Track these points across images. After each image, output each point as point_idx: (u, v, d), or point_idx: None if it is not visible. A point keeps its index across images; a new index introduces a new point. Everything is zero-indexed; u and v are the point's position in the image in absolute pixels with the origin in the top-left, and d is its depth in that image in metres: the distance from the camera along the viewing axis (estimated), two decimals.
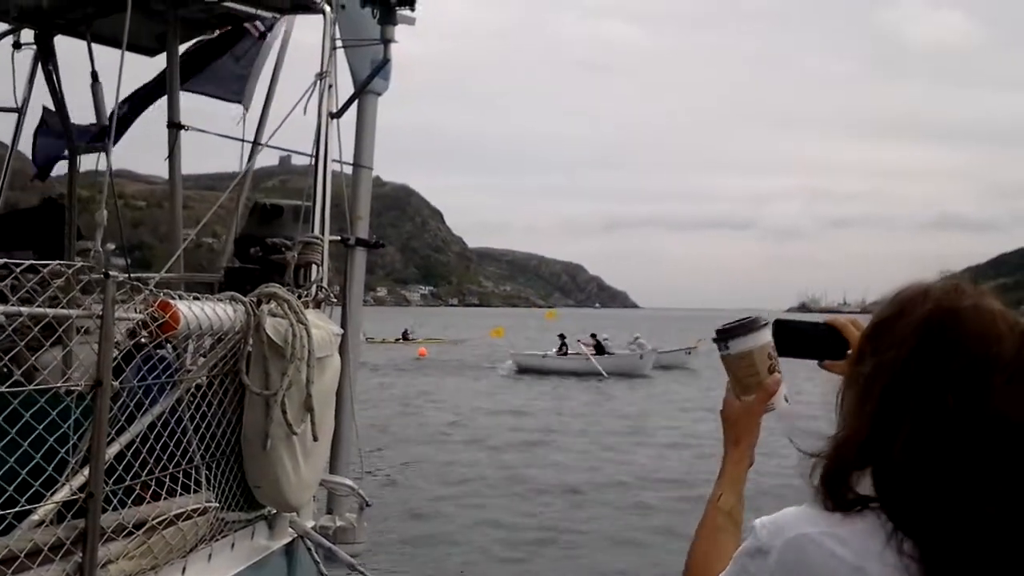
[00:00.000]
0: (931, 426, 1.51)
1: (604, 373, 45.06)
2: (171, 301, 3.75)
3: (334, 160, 5.61)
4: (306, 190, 5.47)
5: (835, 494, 1.57)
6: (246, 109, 6.54)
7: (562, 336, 50.64)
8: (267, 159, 6.91)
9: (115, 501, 3.52)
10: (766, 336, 1.94)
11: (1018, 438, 1.49)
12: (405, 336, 76.26)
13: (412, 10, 5.69)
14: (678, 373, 48.84)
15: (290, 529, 4.91)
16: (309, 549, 5.10)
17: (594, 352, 47.92)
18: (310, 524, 5.16)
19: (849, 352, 1.84)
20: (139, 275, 4.42)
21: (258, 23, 6.41)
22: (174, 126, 6.26)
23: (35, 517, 3.25)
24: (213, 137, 6.19)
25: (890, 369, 1.57)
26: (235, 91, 6.65)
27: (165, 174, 6.59)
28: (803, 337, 1.94)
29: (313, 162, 5.51)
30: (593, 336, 49.85)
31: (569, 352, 49.14)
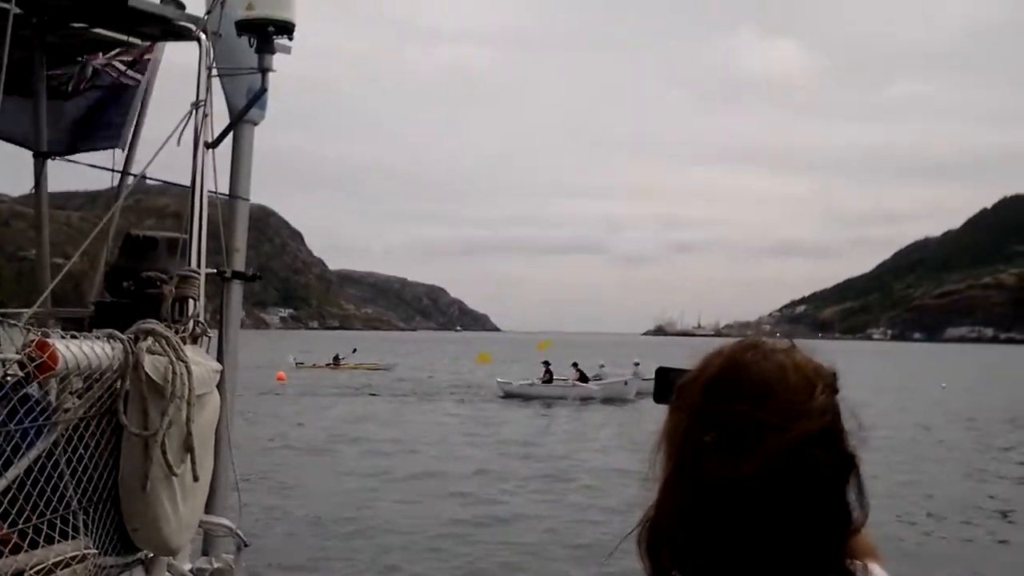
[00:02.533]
0: (707, 493, 1.50)
1: (595, 397, 46.57)
2: (49, 340, 3.60)
3: (210, 191, 5.48)
4: (184, 219, 5.33)
5: (657, 569, 1.55)
6: (123, 150, 6.34)
7: (547, 363, 51.40)
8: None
9: None
10: None
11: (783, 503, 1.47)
12: (336, 361, 75.26)
13: (290, 39, 5.62)
14: None
15: (167, 573, 4.76)
16: None
17: (578, 379, 49.41)
18: (187, 567, 5.01)
19: None
20: (6, 311, 4.24)
21: (119, 64, 6.21)
22: (41, 155, 6.04)
23: None
24: None
25: (678, 428, 1.57)
26: (111, 136, 6.43)
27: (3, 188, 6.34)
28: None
29: (189, 193, 5.37)
30: (574, 365, 51.01)
31: (554, 379, 50.19)
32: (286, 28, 5.54)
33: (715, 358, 1.59)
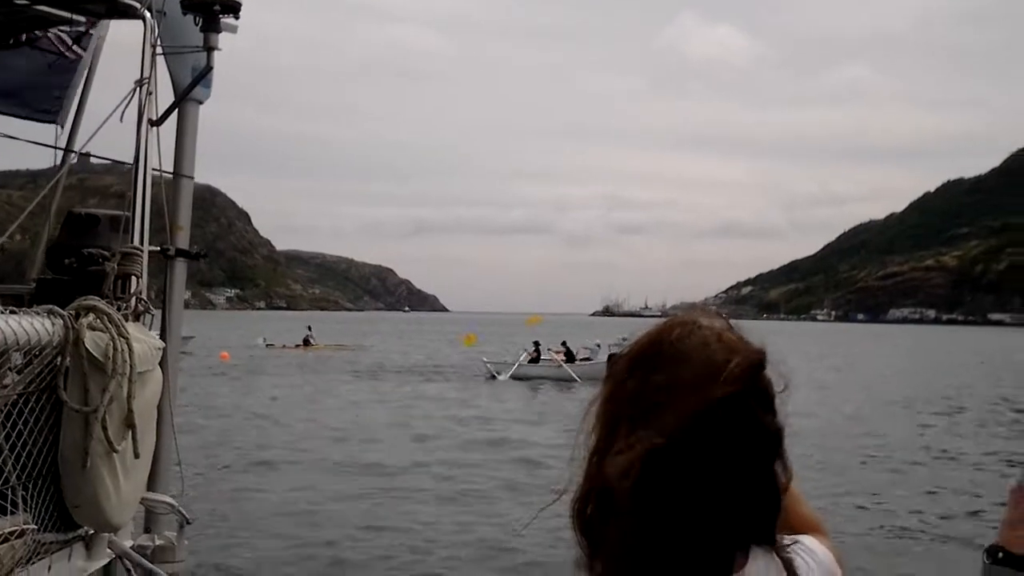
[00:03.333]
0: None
1: (577, 379, 45.03)
2: None
3: (154, 169, 5.47)
4: (127, 198, 5.31)
5: (591, 543, 1.58)
6: (61, 127, 6.29)
7: (536, 343, 50.63)
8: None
9: None
10: None
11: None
12: (306, 342, 75.42)
13: (236, 18, 5.60)
14: None
15: (108, 550, 4.77)
16: (128, 570, 4.96)
17: (564, 359, 48.47)
18: (129, 544, 5.02)
19: None
20: None
21: (64, 36, 6.15)
22: None
23: None
24: None
25: (602, 403, 1.60)
26: (49, 110, 6.37)
27: None
28: None
29: (132, 170, 5.36)
30: (563, 344, 50.21)
31: (542, 359, 49.33)
32: (232, 7, 5.53)
33: (644, 335, 1.63)
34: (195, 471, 19.94)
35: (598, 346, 50.69)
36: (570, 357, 49.16)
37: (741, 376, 1.52)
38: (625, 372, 1.60)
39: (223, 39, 5.70)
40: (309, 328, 78.79)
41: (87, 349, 4.11)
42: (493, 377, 48.17)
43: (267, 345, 75.89)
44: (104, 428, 4.11)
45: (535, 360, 49.58)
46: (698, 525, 1.49)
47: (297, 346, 74.34)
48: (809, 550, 1.65)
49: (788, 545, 1.62)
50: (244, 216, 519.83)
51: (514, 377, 47.51)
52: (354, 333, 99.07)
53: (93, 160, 6.48)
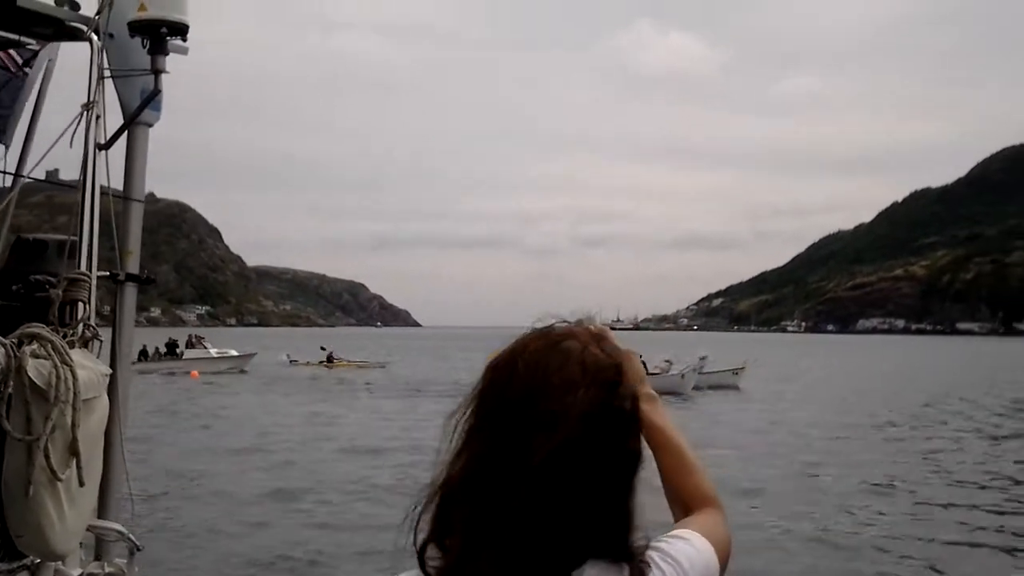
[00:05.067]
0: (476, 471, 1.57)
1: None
2: None
3: (103, 192, 5.43)
4: (72, 220, 5.27)
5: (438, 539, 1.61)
6: (7, 147, 6.25)
7: None
8: (33, 173, 6.61)
9: None
10: None
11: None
12: (329, 359, 75.93)
13: (184, 40, 5.58)
14: (724, 393, 49.97)
15: None
16: None
17: None
18: (77, 572, 4.97)
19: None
20: None
21: (14, 55, 6.12)
22: None
23: None
24: None
25: (466, 409, 1.63)
26: None
27: None
28: None
29: (80, 195, 5.32)
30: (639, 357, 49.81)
31: None
32: (179, 29, 5.49)
33: (506, 347, 1.66)
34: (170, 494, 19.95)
35: (669, 362, 50.82)
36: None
37: (595, 397, 1.56)
38: (487, 380, 1.63)
39: (175, 60, 5.67)
40: (323, 347, 78.98)
41: (29, 377, 4.08)
42: None
43: (291, 362, 76.27)
44: (47, 456, 4.08)
45: None
46: (530, 530, 1.52)
47: (321, 363, 74.77)
48: (672, 558, 1.65)
49: (647, 551, 1.62)
50: (215, 233, 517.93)
51: None
52: (348, 349, 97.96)
53: (62, 177, 6.45)
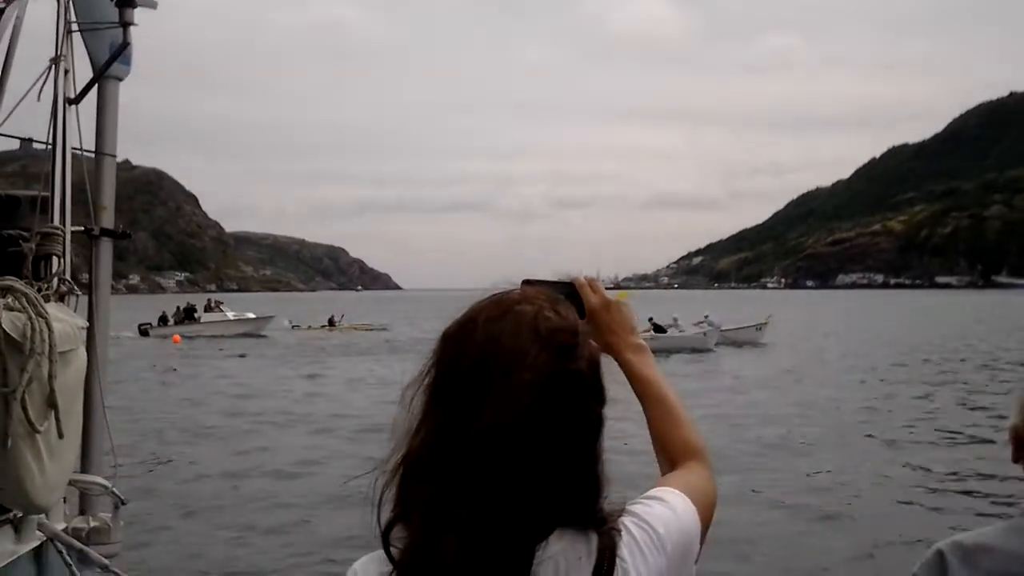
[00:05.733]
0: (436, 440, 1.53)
1: (679, 349, 46.80)
2: None
3: (74, 148, 5.39)
4: (42, 178, 5.24)
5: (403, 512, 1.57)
6: None
7: None
8: (7, 143, 6.56)
9: None
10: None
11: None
12: (331, 323, 76.73)
13: None
14: (747, 350, 51.52)
15: (39, 532, 4.73)
16: (60, 552, 4.92)
17: (652, 334, 49.55)
18: (61, 526, 4.98)
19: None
20: None
21: None
22: None
23: None
24: None
25: (423, 375, 1.59)
26: None
27: None
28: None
29: (50, 150, 5.29)
30: (650, 320, 51.22)
31: None
32: None
33: (461, 313, 1.62)
34: (152, 453, 20.03)
35: (675, 320, 52.34)
36: (659, 330, 50.19)
37: (548, 361, 1.52)
38: (440, 346, 1.60)
39: (150, 14, 5.62)
40: (332, 316, 79.25)
41: (4, 330, 4.06)
42: None
43: (293, 327, 76.42)
44: (24, 408, 4.07)
45: None
46: (493, 504, 1.48)
47: (323, 327, 75.34)
48: (646, 523, 1.61)
49: (621, 516, 1.59)
50: (192, 199, 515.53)
51: None
52: (325, 313, 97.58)
53: (36, 146, 6.38)
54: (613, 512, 1.58)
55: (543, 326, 1.55)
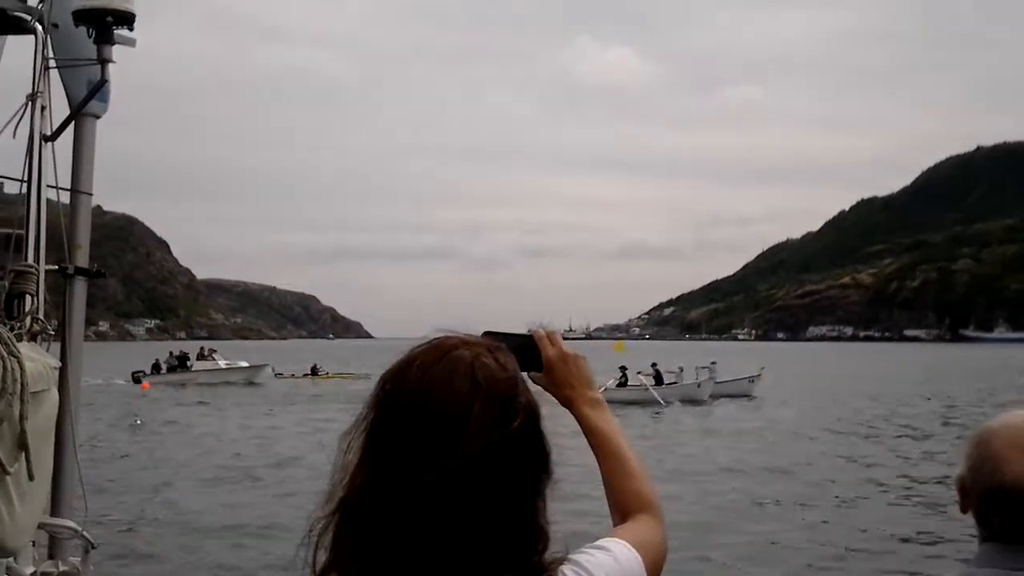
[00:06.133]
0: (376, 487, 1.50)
1: (662, 402, 46.46)
2: None
3: (50, 186, 5.33)
4: (16, 217, 5.17)
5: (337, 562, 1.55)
6: None
7: (623, 368, 50.76)
8: None
9: None
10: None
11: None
12: (314, 371, 76.85)
13: (131, 30, 5.49)
14: (740, 401, 50.90)
15: (6, 575, 4.62)
16: None
17: (653, 382, 49.32)
18: (29, 570, 4.86)
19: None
20: None
21: None
22: None
23: None
24: None
25: (361, 418, 1.57)
26: None
27: None
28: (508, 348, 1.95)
29: (25, 188, 5.22)
30: (653, 366, 51.09)
31: (629, 383, 49.86)
32: (126, 18, 5.40)
33: (401, 357, 1.60)
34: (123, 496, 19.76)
35: (681, 369, 52.28)
36: (659, 380, 50.05)
37: (483, 411, 1.49)
38: (379, 389, 1.57)
39: (125, 53, 5.58)
40: (315, 365, 79.27)
41: None
42: None
43: (276, 375, 76.37)
44: None
45: (623, 384, 49.76)
46: (429, 553, 1.46)
47: (305, 375, 75.59)
48: (585, 570, 1.59)
49: (559, 567, 1.56)
50: (163, 245, 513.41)
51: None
52: (302, 361, 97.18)
53: (7, 190, 6.30)
54: (554, 561, 1.55)
55: (480, 373, 1.52)
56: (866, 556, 16.25)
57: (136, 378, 66.69)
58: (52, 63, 5.39)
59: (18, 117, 5.25)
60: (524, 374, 1.83)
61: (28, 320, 4.79)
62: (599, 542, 1.67)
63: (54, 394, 4.58)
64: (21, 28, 5.55)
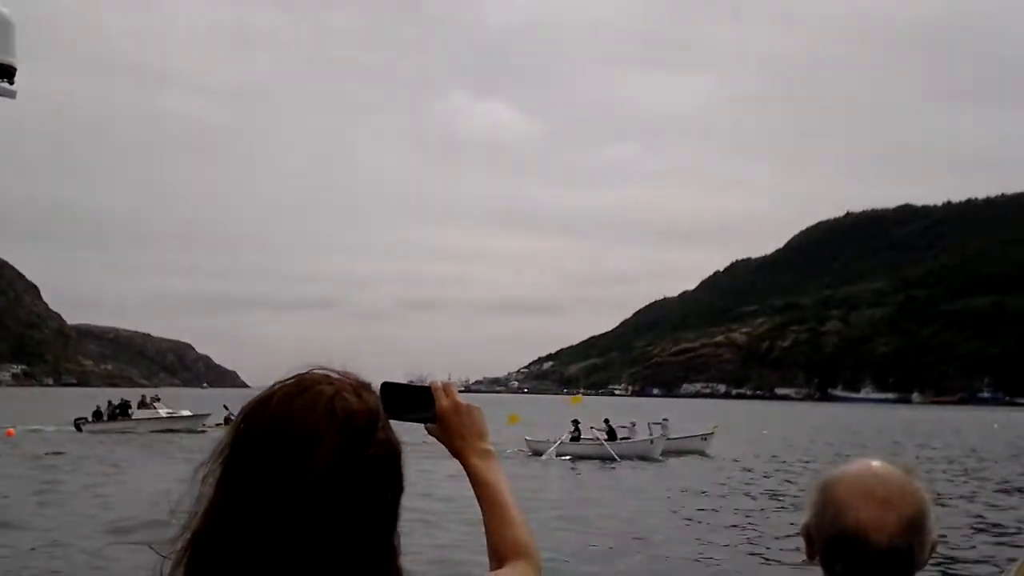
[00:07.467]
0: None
1: (616, 458, 45.40)
2: None
3: None
4: None
5: None
6: None
7: (575, 422, 49.52)
8: None
9: None
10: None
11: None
12: (227, 421, 72.75)
13: (11, 83, 5.93)
14: (690, 459, 48.80)
15: None
16: None
17: (607, 437, 48.27)
18: None
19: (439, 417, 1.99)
20: None
21: None
22: None
23: None
24: None
25: (218, 452, 1.54)
26: None
27: None
28: (405, 399, 1.97)
29: None
30: (606, 421, 49.83)
31: (582, 438, 48.77)
32: (6, 71, 5.74)
33: (261, 392, 1.58)
34: None
35: (633, 424, 50.86)
36: (612, 435, 48.83)
37: (341, 445, 1.49)
38: (235, 426, 1.55)
39: (4, 103, 5.97)
40: (226, 407, 76.55)
41: None
42: (537, 455, 46.89)
43: (227, 419, 72.55)
44: None
45: (576, 438, 48.82)
46: None
47: (218, 424, 72.78)
48: None
49: None
50: (33, 289, 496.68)
51: (558, 455, 46.32)
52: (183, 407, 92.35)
53: None
54: None
55: (339, 407, 1.51)
56: None
57: (77, 425, 65.26)
58: None
59: None
60: (422, 424, 2.00)
61: None
62: None
63: None
64: None
